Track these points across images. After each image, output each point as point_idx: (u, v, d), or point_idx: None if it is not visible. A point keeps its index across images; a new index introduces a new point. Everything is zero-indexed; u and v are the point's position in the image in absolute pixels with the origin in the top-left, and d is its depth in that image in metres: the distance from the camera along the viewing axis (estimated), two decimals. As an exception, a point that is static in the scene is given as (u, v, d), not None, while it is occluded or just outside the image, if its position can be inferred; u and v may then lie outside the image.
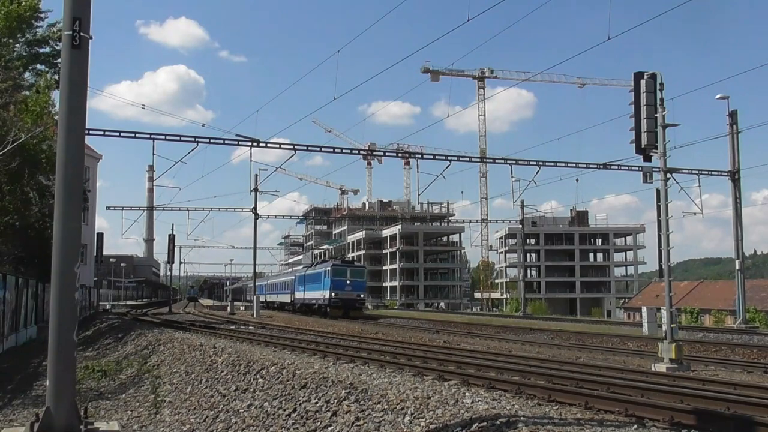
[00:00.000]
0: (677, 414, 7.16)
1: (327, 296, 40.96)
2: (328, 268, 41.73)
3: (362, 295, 42.50)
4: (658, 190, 15.38)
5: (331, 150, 32.25)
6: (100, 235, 49.70)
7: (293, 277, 54.16)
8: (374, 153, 60.37)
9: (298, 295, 50.06)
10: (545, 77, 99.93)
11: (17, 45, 25.07)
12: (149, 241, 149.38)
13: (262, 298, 66.75)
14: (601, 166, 33.44)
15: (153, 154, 26.90)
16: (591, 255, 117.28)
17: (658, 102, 14.76)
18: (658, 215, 15.04)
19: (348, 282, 40.84)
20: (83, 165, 6.17)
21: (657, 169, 15.84)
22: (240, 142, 29.23)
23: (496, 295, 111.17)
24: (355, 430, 7.93)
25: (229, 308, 54.91)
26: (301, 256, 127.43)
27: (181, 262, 79.64)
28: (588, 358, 15.63)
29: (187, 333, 21.73)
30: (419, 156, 32.76)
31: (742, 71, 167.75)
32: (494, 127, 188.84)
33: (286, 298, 55.77)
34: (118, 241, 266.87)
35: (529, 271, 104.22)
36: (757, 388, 10.07)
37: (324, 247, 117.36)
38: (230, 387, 11.80)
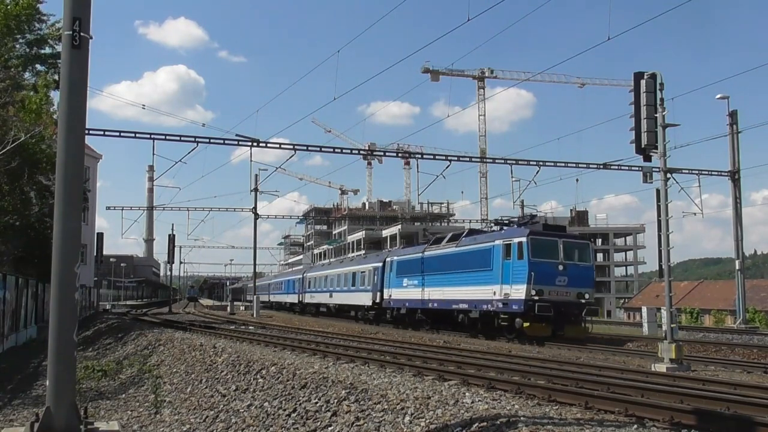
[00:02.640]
0: (677, 414, 7.17)
1: (517, 297, 21.31)
2: (522, 240, 21.61)
3: (588, 295, 22.18)
4: (658, 190, 15.38)
5: (331, 150, 32.24)
6: (100, 235, 49.73)
7: (380, 264, 32.94)
8: (374, 153, 60.17)
9: (401, 294, 29.74)
10: (545, 77, 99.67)
11: (17, 45, 25.07)
12: (149, 241, 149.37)
13: (293, 299, 50.73)
14: (601, 166, 33.44)
15: (153, 154, 26.93)
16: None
17: (658, 102, 14.75)
18: (658, 215, 15.04)
19: (561, 268, 21.55)
20: (83, 165, 6.16)
21: (657, 169, 15.83)
22: (240, 142, 29.23)
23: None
24: (355, 430, 7.93)
25: (229, 308, 54.94)
26: (301, 256, 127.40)
27: (181, 262, 79.58)
28: (588, 358, 15.63)
29: (187, 333, 21.74)
30: (419, 156, 32.73)
31: (742, 71, 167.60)
32: (493, 127, 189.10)
33: (359, 299, 35.09)
34: (118, 241, 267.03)
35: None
36: (757, 388, 10.07)
37: (324, 247, 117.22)
38: (230, 387, 11.81)
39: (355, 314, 36.87)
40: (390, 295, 31.03)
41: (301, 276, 49.99)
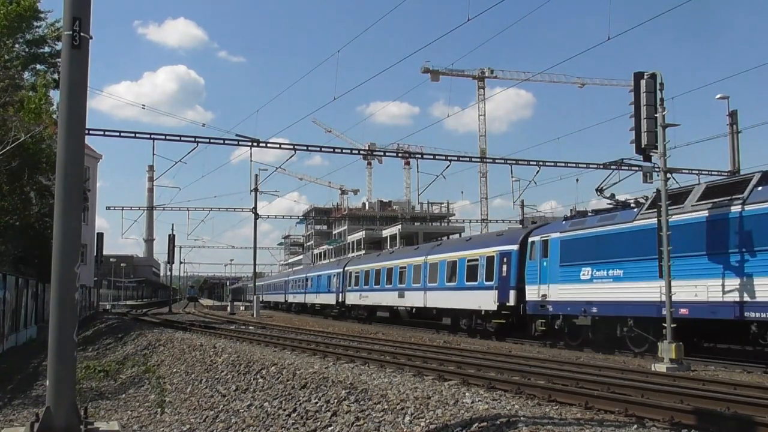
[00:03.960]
0: (677, 414, 7.17)
1: None
2: None
3: None
4: (658, 190, 15.37)
5: (331, 150, 32.15)
6: (100, 235, 49.77)
7: (511, 247, 22.32)
8: (374, 153, 60.08)
9: (577, 293, 18.81)
10: (545, 77, 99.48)
11: (17, 45, 25.11)
12: (149, 241, 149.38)
13: (328, 299, 40.66)
14: (601, 166, 33.44)
15: (153, 154, 26.89)
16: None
17: (658, 102, 14.77)
18: (658, 215, 15.03)
19: None
20: (83, 165, 6.17)
21: (657, 169, 15.83)
22: (240, 142, 29.21)
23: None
24: (355, 430, 7.93)
25: (229, 308, 54.98)
26: (301, 256, 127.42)
27: (181, 262, 79.68)
28: (588, 358, 15.63)
29: (187, 333, 21.75)
30: (419, 156, 32.70)
31: (742, 71, 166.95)
32: (493, 128, 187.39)
33: (466, 301, 24.48)
34: (118, 241, 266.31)
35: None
36: (757, 388, 10.07)
37: (324, 247, 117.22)
38: (230, 387, 11.81)
39: (453, 322, 26.32)
40: (545, 295, 20.00)
41: (341, 269, 38.74)
